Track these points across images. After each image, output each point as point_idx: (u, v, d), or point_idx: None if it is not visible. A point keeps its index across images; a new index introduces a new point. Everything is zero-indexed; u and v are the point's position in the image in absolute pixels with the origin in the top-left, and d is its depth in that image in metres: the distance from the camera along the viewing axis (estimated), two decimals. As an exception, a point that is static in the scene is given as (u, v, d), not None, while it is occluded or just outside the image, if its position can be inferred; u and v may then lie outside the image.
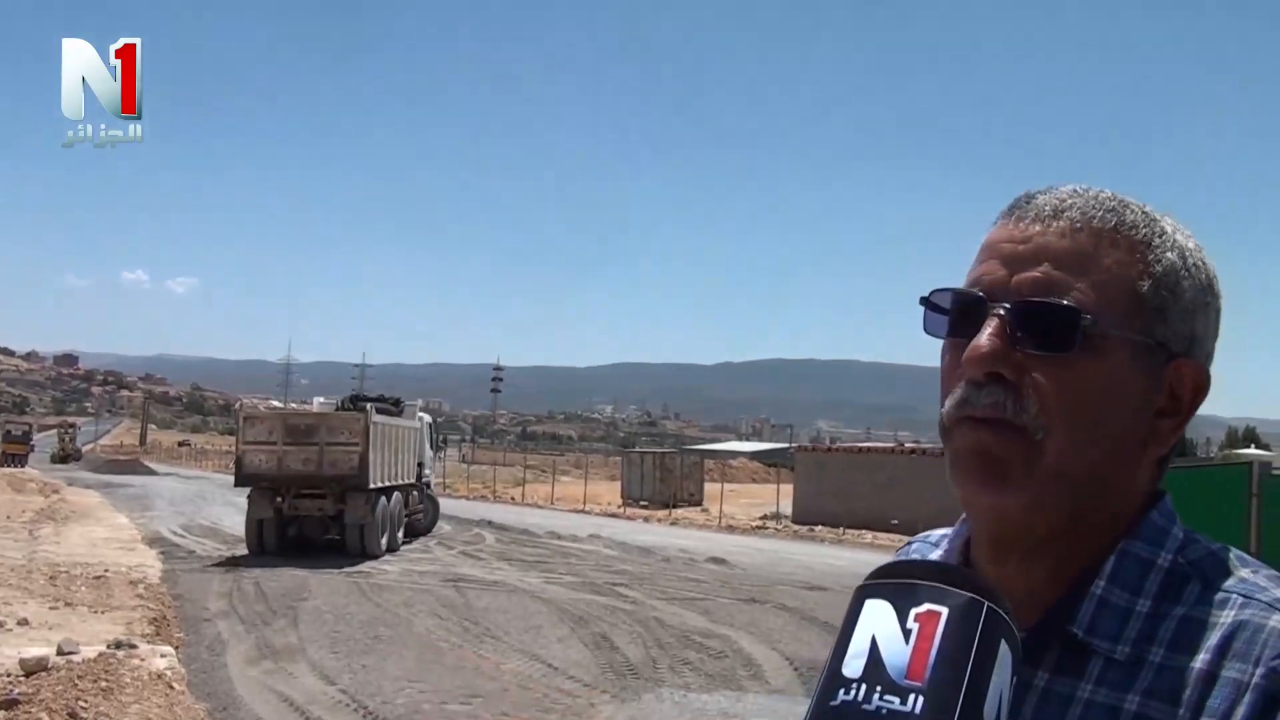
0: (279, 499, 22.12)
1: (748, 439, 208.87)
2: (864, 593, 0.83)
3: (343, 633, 13.12)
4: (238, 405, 26.57)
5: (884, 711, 0.75)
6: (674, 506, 43.52)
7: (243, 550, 22.19)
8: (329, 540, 22.32)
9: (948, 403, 1.06)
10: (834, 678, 0.78)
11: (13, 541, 21.60)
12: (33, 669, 9.11)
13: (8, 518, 26.88)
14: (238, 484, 22.86)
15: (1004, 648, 0.79)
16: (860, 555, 26.99)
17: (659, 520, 38.35)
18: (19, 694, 7.94)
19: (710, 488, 48.20)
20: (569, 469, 77.89)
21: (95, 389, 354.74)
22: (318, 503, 22.15)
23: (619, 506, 44.28)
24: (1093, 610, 1.01)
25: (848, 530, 33.38)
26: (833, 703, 0.77)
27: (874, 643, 0.78)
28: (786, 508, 38.92)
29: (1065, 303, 1.02)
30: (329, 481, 21.96)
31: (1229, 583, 0.99)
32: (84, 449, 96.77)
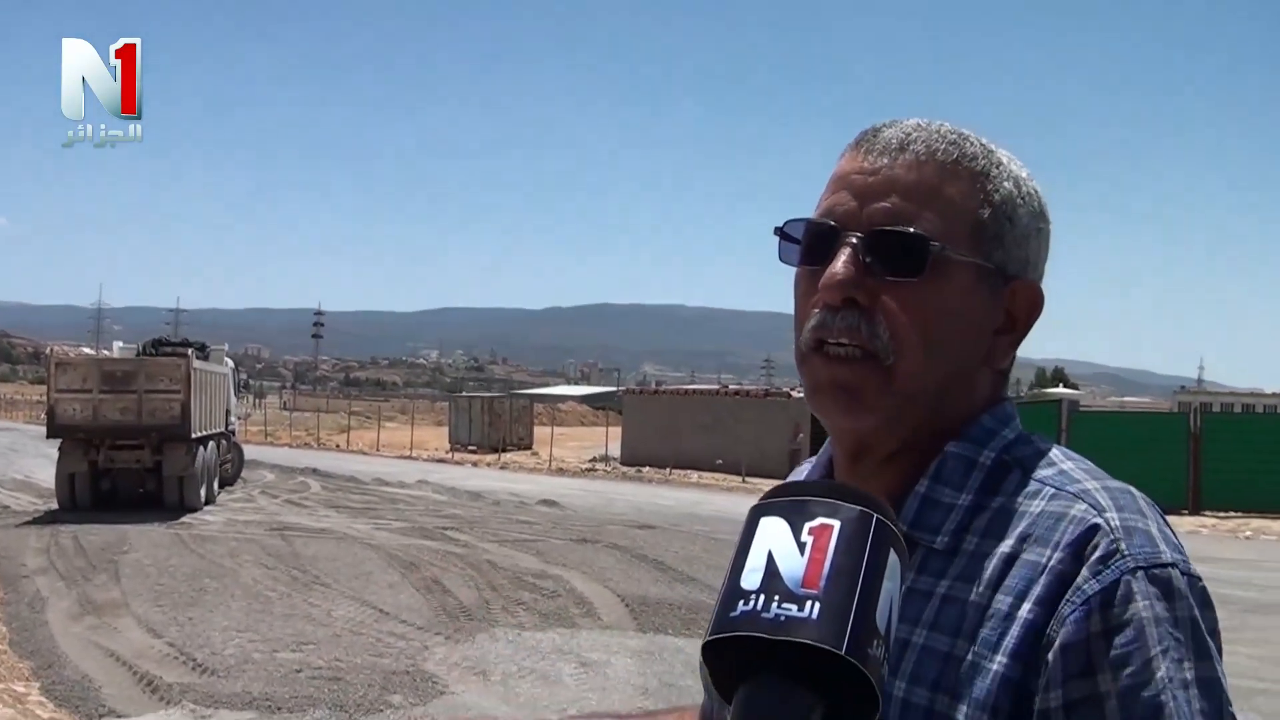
0: (93, 451, 20.98)
1: (576, 383, 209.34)
2: (759, 511, 0.86)
3: (167, 585, 12.85)
4: (48, 351, 25.02)
5: (782, 619, 0.77)
6: (503, 451, 43.58)
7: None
8: (144, 493, 21.40)
9: (805, 329, 1.13)
10: (733, 591, 0.81)
11: None
12: None
13: None
14: (50, 435, 21.44)
15: (893, 556, 0.82)
16: (686, 494, 27.61)
17: (488, 465, 38.37)
18: None
19: (540, 431, 48.37)
20: (394, 415, 76.83)
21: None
22: (135, 454, 21.06)
23: (447, 452, 44.11)
24: (916, 507, 1.10)
25: (674, 470, 34.04)
26: (733, 614, 0.79)
27: (770, 556, 0.81)
28: (615, 450, 39.46)
29: (914, 230, 1.09)
30: (148, 431, 20.84)
31: (1045, 474, 1.08)
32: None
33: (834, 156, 1.22)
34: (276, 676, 8.85)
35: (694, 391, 44.95)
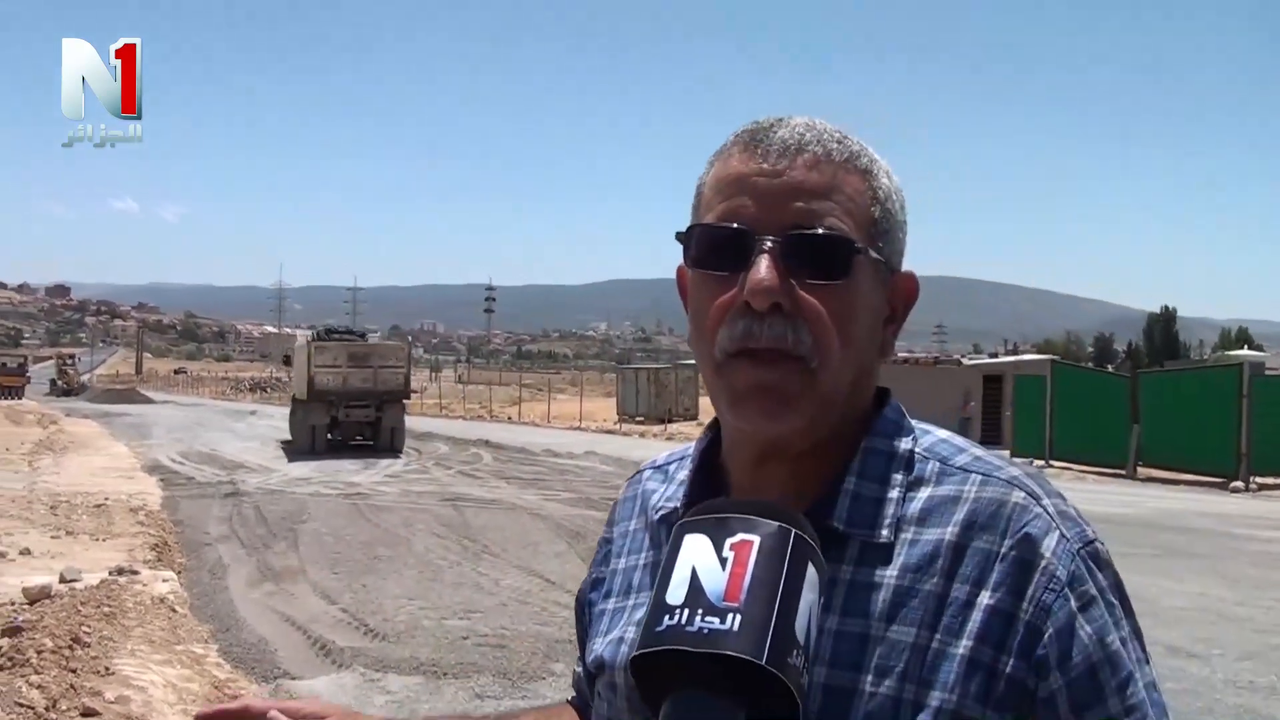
0: (335, 409, 29.30)
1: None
2: (683, 529, 0.90)
3: (342, 554, 13.21)
4: (311, 336, 32.43)
5: (705, 631, 0.81)
6: (669, 421, 43.70)
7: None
8: (363, 441, 29.71)
9: (723, 336, 1.10)
10: (659, 606, 0.85)
11: (13, 473, 21.66)
12: (36, 597, 9.17)
13: (6, 450, 26.94)
14: (310, 400, 29.41)
15: (811, 569, 0.86)
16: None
17: (654, 435, 38.51)
18: (23, 621, 7.98)
19: (705, 401, 48.18)
20: (565, 387, 78.07)
21: (89, 319, 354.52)
22: (363, 411, 29.57)
23: (614, 423, 44.47)
24: (848, 504, 1.10)
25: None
26: (658, 628, 0.83)
27: (694, 572, 0.85)
28: (781, 420, 39.09)
29: (838, 234, 1.08)
30: (379, 395, 29.52)
31: (963, 461, 1.12)
32: (85, 379, 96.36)
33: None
34: (444, 643, 8.97)
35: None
